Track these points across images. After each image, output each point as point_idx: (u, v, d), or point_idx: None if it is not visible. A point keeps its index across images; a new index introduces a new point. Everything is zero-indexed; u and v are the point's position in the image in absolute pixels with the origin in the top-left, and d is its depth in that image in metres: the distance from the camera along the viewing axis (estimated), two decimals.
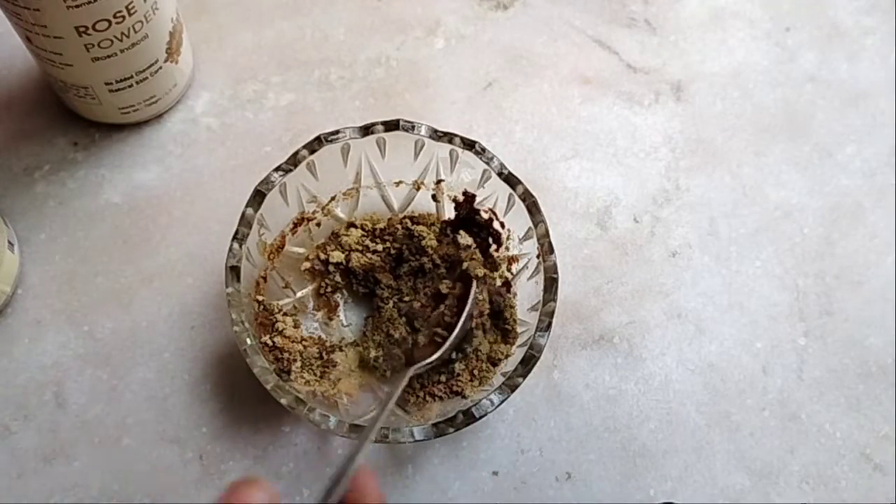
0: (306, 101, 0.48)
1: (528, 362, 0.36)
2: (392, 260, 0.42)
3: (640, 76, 0.51)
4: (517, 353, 0.39)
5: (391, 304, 0.41)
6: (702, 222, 0.47)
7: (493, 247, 0.42)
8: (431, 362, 0.38)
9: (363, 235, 0.42)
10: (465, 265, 0.40)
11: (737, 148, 0.49)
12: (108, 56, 0.40)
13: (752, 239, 0.47)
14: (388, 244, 0.42)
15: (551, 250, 0.38)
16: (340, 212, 0.43)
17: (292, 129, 0.47)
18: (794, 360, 0.44)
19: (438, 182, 0.41)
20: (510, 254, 0.42)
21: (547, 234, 0.38)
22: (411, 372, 0.37)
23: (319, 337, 0.41)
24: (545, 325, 0.37)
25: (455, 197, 0.41)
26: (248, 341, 0.35)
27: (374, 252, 0.42)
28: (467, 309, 0.39)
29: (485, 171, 0.39)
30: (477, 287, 0.39)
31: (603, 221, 0.47)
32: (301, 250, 0.42)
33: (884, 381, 0.44)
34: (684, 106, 0.50)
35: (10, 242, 0.41)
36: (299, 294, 0.42)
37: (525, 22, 0.52)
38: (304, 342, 0.40)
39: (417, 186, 0.42)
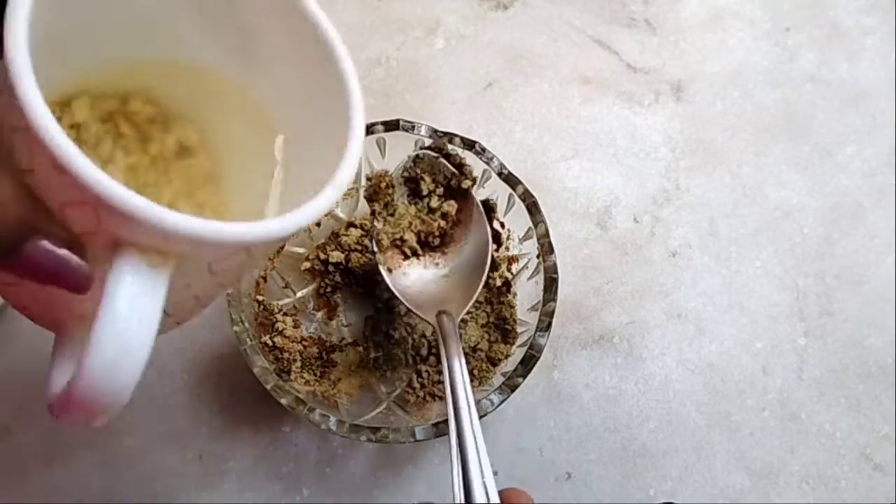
0: None
1: (528, 362, 0.36)
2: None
3: (640, 76, 0.51)
4: (517, 353, 0.39)
5: (391, 304, 0.41)
6: (702, 222, 0.47)
7: (493, 247, 0.42)
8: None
9: (363, 235, 0.42)
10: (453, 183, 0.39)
11: (737, 148, 0.49)
12: None
13: (752, 239, 0.47)
14: None
15: (551, 250, 0.38)
16: (340, 212, 0.43)
17: None
18: (794, 360, 0.44)
19: None
20: (510, 254, 0.42)
21: (547, 234, 0.38)
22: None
23: (319, 337, 0.41)
24: (545, 325, 0.37)
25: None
26: (248, 341, 0.35)
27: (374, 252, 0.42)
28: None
29: (485, 171, 0.39)
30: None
31: (603, 221, 0.47)
32: (301, 250, 0.42)
33: (884, 381, 0.44)
34: (684, 106, 0.50)
35: None
36: (299, 294, 0.42)
37: (525, 22, 0.52)
38: (304, 342, 0.40)
39: None
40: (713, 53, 0.52)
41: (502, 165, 0.39)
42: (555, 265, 0.38)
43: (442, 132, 0.39)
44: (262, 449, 0.40)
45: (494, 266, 0.42)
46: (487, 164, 0.39)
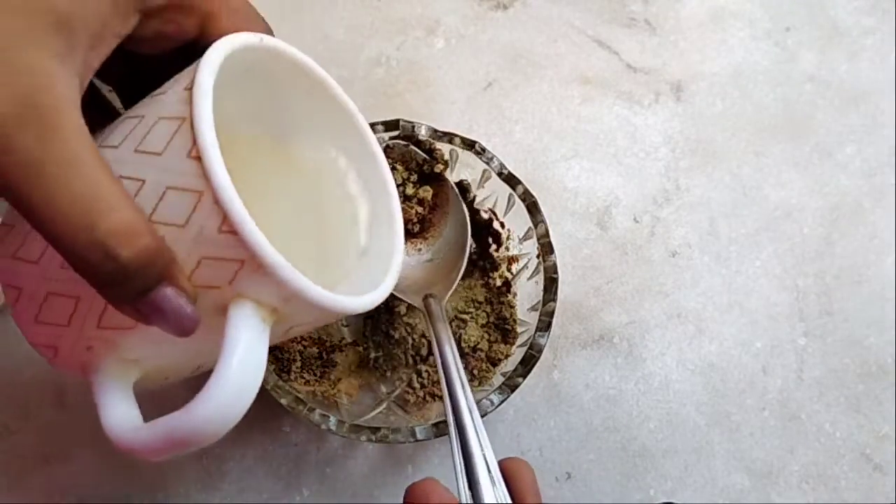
0: None
1: (528, 362, 0.36)
2: None
3: (640, 76, 0.51)
4: (517, 353, 0.39)
5: (391, 304, 0.41)
6: (702, 222, 0.47)
7: (493, 247, 0.42)
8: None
9: None
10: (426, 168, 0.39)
11: (737, 148, 0.49)
12: None
13: (752, 239, 0.47)
14: None
15: (551, 250, 0.38)
16: None
17: None
18: (794, 360, 0.44)
19: None
20: (510, 254, 0.42)
21: (547, 234, 0.38)
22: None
23: (319, 337, 0.41)
24: (545, 325, 0.37)
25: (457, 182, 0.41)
26: None
27: None
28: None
29: (485, 171, 0.39)
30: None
31: (603, 221, 0.47)
32: None
33: (884, 381, 0.44)
34: (684, 106, 0.50)
35: None
36: None
37: (525, 22, 0.52)
38: (304, 342, 0.40)
39: None
40: (713, 53, 0.52)
41: (502, 165, 0.39)
42: (555, 265, 0.38)
43: (442, 132, 0.39)
44: (262, 449, 0.40)
45: (494, 266, 0.42)
46: (487, 164, 0.39)
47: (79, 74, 0.21)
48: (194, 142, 0.20)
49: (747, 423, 0.43)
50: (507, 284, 0.42)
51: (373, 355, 0.40)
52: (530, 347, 0.36)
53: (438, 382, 0.40)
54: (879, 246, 0.47)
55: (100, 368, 0.24)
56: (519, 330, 0.40)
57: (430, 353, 0.41)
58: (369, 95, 0.49)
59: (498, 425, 0.41)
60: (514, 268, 0.42)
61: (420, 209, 0.39)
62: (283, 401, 0.35)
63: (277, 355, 0.39)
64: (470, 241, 0.39)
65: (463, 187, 0.40)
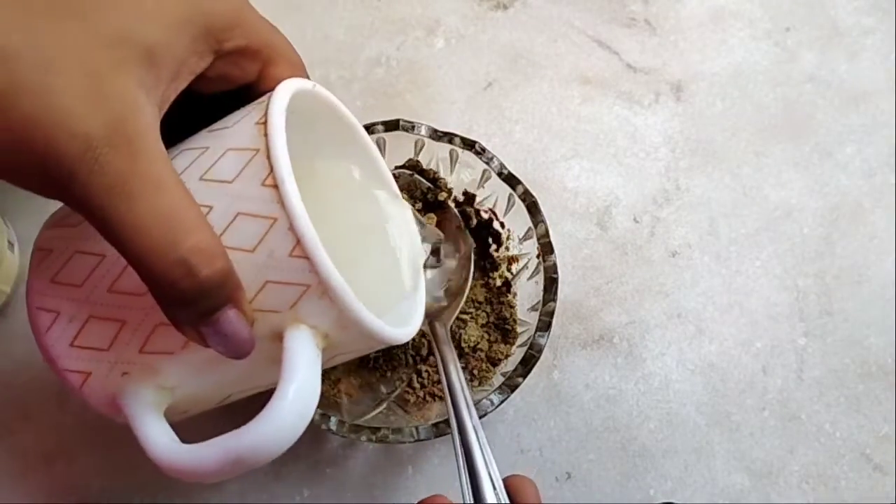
0: None
1: (528, 362, 0.36)
2: None
3: (640, 76, 0.51)
4: (517, 353, 0.39)
5: None
6: (702, 222, 0.47)
7: (493, 247, 0.42)
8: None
9: None
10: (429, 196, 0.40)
11: (737, 148, 0.49)
12: None
13: (752, 239, 0.47)
14: None
15: (551, 250, 0.38)
16: None
17: None
18: (794, 360, 0.44)
19: None
20: (510, 254, 0.42)
21: (547, 234, 0.38)
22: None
23: None
24: (545, 325, 0.37)
25: (455, 198, 0.41)
26: None
27: None
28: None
29: (485, 171, 0.39)
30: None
31: (603, 221, 0.47)
32: None
33: (884, 381, 0.44)
34: (684, 106, 0.50)
35: (10, 242, 0.41)
36: None
37: (525, 22, 0.52)
38: None
39: None
40: (713, 53, 0.52)
41: (502, 165, 0.39)
42: (555, 265, 0.38)
43: (442, 132, 0.39)
44: None
45: (494, 266, 0.42)
46: (487, 164, 0.39)
47: (158, 105, 0.22)
48: (270, 171, 0.22)
49: (747, 423, 0.43)
50: (507, 284, 0.42)
51: (373, 355, 0.40)
52: (530, 347, 0.36)
53: (439, 382, 0.40)
54: (879, 246, 0.47)
55: (134, 394, 0.25)
56: (519, 330, 0.40)
57: (431, 353, 0.41)
58: (369, 95, 0.49)
59: (498, 425, 0.41)
60: (514, 268, 0.42)
61: None
62: None
63: None
64: (472, 266, 0.39)
65: (469, 196, 0.41)
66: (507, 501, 0.28)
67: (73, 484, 0.39)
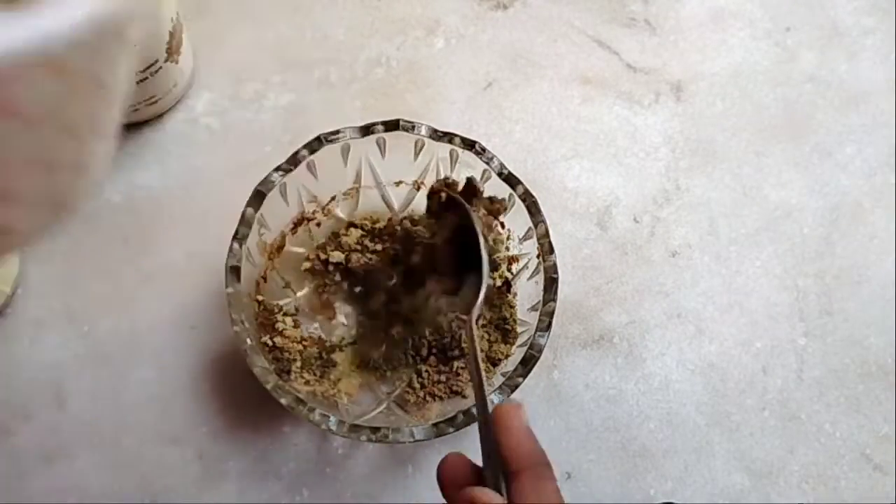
0: (306, 101, 0.48)
1: (528, 362, 0.36)
2: (391, 260, 0.42)
3: (640, 76, 0.51)
4: (517, 353, 0.39)
5: (390, 304, 0.41)
6: (702, 222, 0.47)
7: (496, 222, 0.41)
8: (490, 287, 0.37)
9: (363, 235, 0.42)
10: (443, 196, 0.38)
11: (737, 148, 0.49)
12: None
13: (752, 239, 0.47)
14: (387, 245, 0.42)
15: (551, 250, 0.38)
16: (340, 212, 0.43)
17: (292, 129, 0.47)
18: (794, 360, 0.44)
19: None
20: (510, 254, 0.42)
21: (547, 234, 0.38)
22: (476, 312, 0.35)
23: (319, 337, 0.41)
24: (545, 325, 0.37)
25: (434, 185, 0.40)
26: (248, 341, 0.35)
27: (374, 252, 0.42)
28: (478, 228, 0.36)
29: (485, 171, 0.39)
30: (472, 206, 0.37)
31: (603, 221, 0.47)
32: (301, 250, 0.42)
33: (884, 381, 0.44)
34: (684, 106, 0.50)
35: None
36: (299, 294, 0.42)
37: (525, 22, 0.52)
38: (304, 342, 0.40)
39: (417, 186, 0.42)
40: (713, 53, 0.52)
41: (502, 165, 0.39)
42: (555, 265, 0.38)
43: (442, 132, 0.39)
44: (262, 449, 0.40)
45: (494, 266, 0.42)
46: (487, 164, 0.39)
47: None
48: None
49: (747, 423, 0.43)
50: (508, 284, 0.42)
51: (374, 355, 0.40)
52: (530, 347, 0.36)
53: (438, 383, 0.40)
54: (879, 246, 0.47)
55: None
56: (519, 330, 0.40)
57: (431, 353, 0.41)
58: (369, 95, 0.49)
59: None
60: (514, 268, 0.42)
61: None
62: (283, 401, 0.35)
63: (277, 355, 0.39)
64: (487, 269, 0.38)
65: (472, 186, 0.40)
66: None
67: (73, 484, 0.39)
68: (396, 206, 0.43)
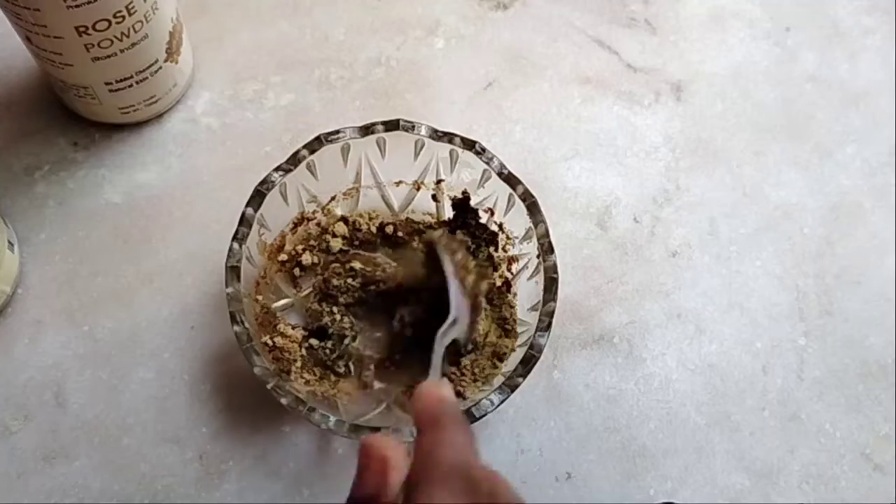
0: (306, 101, 0.48)
1: (528, 362, 0.36)
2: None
3: (640, 76, 0.51)
4: (517, 353, 0.39)
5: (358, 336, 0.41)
6: (702, 222, 0.47)
7: (491, 248, 0.42)
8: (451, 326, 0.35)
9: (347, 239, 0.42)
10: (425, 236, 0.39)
11: (737, 148, 0.49)
12: (108, 56, 0.40)
13: (752, 239, 0.47)
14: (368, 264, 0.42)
15: (551, 250, 0.38)
16: (340, 212, 0.43)
17: (292, 129, 0.47)
18: (794, 360, 0.44)
19: (438, 182, 0.41)
20: (510, 254, 0.42)
21: (547, 234, 0.38)
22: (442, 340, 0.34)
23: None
24: (545, 325, 0.37)
25: (454, 197, 0.41)
26: (248, 341, 0.35)
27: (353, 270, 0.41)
28: (446, 267, 0.36)
29: (485, 171, 0.39)
30: (450, 250, 0.37)
31: (603, 221, 0.47)
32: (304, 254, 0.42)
33: (884, 381, 0.44)
34: (684, 106, 0.50)
35: (10, 242, 0.41)
36: (304, 291, 0.42)
37: (525, 22, 0.52)
38: (304, 342, 0.40)
39: (417, 186, 0.42)
40: (713, 53, 0.52)
41: (502, 165, 0.39)
42: (555, 265, 0.38)
43: (442, 132, 0.39)
44: (262, 449, 0.40)
45: (494, 266, 0.42)
46: (487, 164, 0.39)
47: None
48: None
49: (747, 423, 0.43)
50: (508, 284, 0.42)
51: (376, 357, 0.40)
52: (530, 347, 0.36)
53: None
54: (879, 246, 0.47)
55: None
56: (519, 330, 0.40)
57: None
58: (369, 95, 0.49)
59: (498, 425, 0.41)
60: (514, 268, 0.42)
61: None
62: (283, 401, 0.35)
63: (277, 355, 0.39)
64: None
65: (465, 198, 0.41)
66: None
67: (73, 484, 0.39)
68: (396, 206, 0.43)
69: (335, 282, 0.41)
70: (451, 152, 0.40)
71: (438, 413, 0.24)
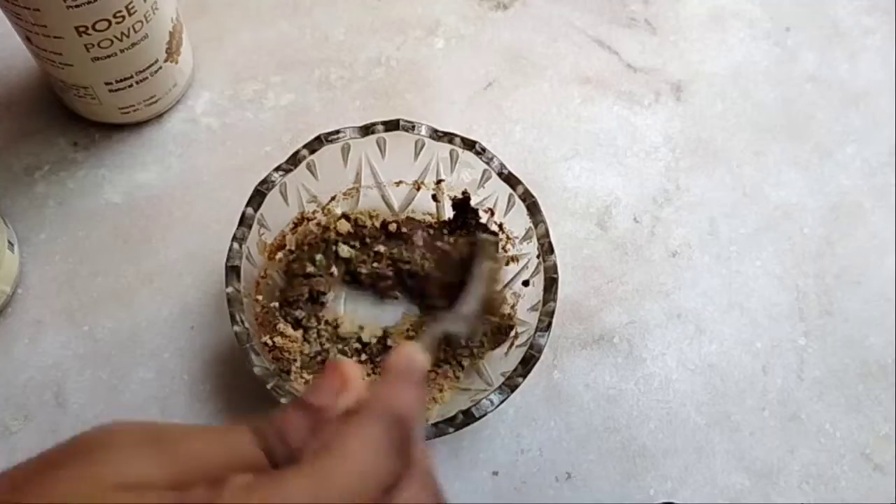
0: (306, 101, 0.48)
1: (528, 362, 0.36)
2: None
3: (640, 76, 0.51)
4: (517, 353, 0.39)
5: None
6: (702, 222, 0.47)
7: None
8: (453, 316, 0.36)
9: (349, 238, 0.42)
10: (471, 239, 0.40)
11: (737, 148, 0.49)
12: (108, 56, 0.40)
13: (752, 239, 0.47)
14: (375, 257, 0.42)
15: (551, 250, 0.38)
16: (340, 212, 0.43)
17: (292, 129, 0.47)
18: (794, 360, 0.44)
19: (439, 182, 0.41)
20: (510, 254, 0.42)
21: (547, 235, 0.38)
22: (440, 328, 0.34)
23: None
24: (545, 325, 0.37)
25: (454, 197, 0.41)
26: (248, 341, 0.35)
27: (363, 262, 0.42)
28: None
29: (485, 171, 0.39)
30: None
31: (603, 221, 0.47)
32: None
33: (884, 381, 0.44)
34: (684, 106, 0.50)
35: (10, 242, 0.41)
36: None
37: (525, 22, 0.52)
38: (303, 342, 0.40)
39: (418, 186, 0.42)
40: (713, 53, 0.52)
41: (502, 165, 0.39)
42: (555, 265, 0.38)
43: (442, 132, 0.39)
44: None
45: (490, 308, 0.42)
46: (487, 164, 0.39)
47: None
48: None
49: (747, 423, 0.43)
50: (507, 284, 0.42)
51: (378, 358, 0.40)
52: (530, 347, 0.36)
53: (436, 382, 0.40)
54: (879, 246, 0.47)
55: None
56: (519, 330, 0.40)
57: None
58: (369, 95, 0.49)
59: (498, 425, 0.41)
60: (514, 268, 0.42)
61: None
62: (283, 401, 0.35)
63: (277, 355, 0.39)
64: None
65: (465, 199, 0.41)
66: None
67: None
68: (396, 206, 0.43)
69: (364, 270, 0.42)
70: (451, 152, 0.40)
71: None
